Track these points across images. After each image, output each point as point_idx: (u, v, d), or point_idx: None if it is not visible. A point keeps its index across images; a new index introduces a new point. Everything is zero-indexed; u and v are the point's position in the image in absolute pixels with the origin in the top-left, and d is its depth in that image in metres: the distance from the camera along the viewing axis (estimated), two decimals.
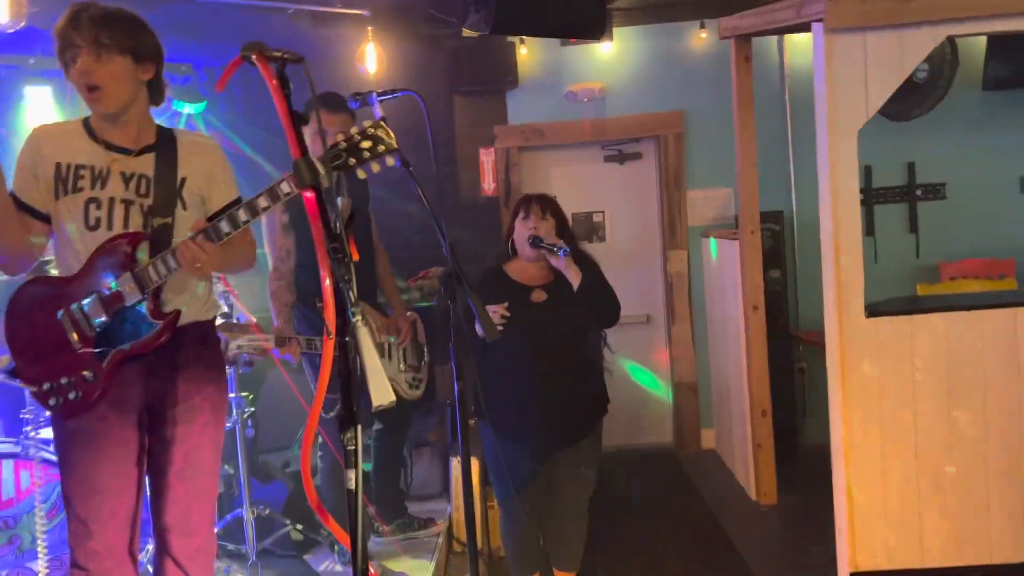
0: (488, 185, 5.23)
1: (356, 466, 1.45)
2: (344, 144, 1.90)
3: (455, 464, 3.66)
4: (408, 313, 3.61)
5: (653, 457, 5.31)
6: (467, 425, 2.30)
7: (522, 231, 2.92)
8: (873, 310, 3.07)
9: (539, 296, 2.92)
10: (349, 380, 1.43)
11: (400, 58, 4.82)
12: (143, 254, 2.09)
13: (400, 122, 2.62)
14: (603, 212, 5.45)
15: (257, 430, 3.93)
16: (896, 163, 5.20)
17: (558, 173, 5.42)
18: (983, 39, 4.90)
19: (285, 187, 1.99)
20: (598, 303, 2.90)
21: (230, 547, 3.38)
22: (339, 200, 1.42)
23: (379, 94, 2.26)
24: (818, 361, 5.24)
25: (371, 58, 4.55)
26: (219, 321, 2.68)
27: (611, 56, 5.24)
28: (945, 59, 4.89)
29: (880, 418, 3.07)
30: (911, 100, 4.92)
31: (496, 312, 2.71)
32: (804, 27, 3.46)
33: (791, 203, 5.24)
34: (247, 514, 3.23)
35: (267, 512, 3.35)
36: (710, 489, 4.68)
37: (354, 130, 1.91)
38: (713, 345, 5.19)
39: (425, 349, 3.63)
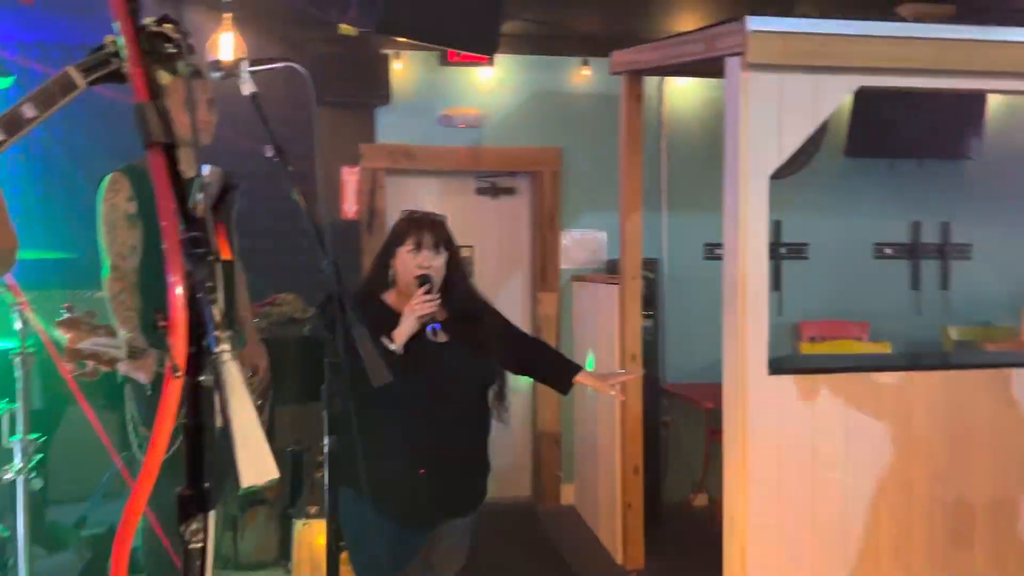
0: (349, 207, 4.73)
1: (203, 573, 0.95)
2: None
3: (299, 527, 3.09)
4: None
5: (510, 513, 4.92)
6: (336, 491, 1.82)
7: (410, 264, 2.40)
8: (776, 367, 2.88)
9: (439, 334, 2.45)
10: (200, 442, 0.94)
11: (260, 54, 4.26)
12: None
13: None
14: (472, 247, 5.09)
15: (47, 479, 3.17)
16: None
17: (427, 201, 5.00)
18: (848, 105, 5.04)
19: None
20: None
21: None
22: (204, 169, 0.94)
23: (252, 63, 1.79)
24: (683, 415, 5.13)
25: (227, 49, 3.97)
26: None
27: (490, 83, 4.94)
28: None
29: (779, 484, 2.85)
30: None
31: (420, 302, 2.26)
32: (706, 65, 3.30)
33: (662, 252, 5.12)
34: None
35: None
36: (572, 550, 4.35)
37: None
38: (580, 395, 4.91)
39: (271, 393, 3.09)
